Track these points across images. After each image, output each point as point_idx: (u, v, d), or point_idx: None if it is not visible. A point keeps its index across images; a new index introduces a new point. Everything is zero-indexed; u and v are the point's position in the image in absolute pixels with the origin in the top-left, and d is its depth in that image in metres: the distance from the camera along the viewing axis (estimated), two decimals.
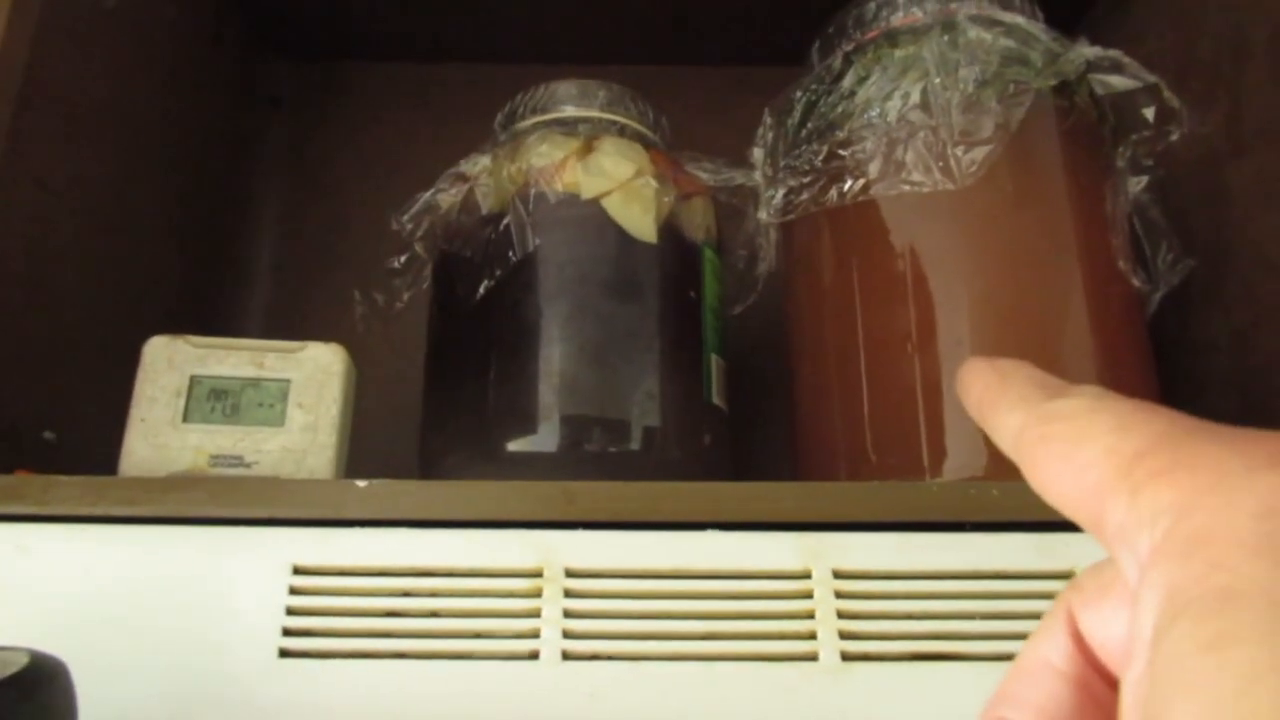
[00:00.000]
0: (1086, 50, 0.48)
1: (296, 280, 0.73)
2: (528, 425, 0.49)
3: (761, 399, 0.62)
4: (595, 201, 0.52)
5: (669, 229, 0.53)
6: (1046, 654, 0.18)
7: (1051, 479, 0.16)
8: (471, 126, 0.61)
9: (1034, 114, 0.48)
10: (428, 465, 0.53)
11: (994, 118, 0.47)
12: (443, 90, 0.78)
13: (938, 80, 0.47)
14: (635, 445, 0.49)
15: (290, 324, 0.71)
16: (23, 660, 0.28)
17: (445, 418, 0.53)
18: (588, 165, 0.53)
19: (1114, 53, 0.48)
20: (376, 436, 0.51)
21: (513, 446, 0.49)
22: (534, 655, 0.37)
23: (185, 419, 0.43)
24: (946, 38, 0.49)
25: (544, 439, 0.49)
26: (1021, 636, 0.38)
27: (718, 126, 0.62)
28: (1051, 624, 0.18)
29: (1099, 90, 0.49)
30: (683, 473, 0.50)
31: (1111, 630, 0.17)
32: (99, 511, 0.39)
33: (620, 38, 0.76)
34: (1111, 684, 0.18)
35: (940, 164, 0.47)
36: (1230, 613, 0.12)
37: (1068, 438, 0.16)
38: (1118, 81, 0.48)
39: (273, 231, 0.75)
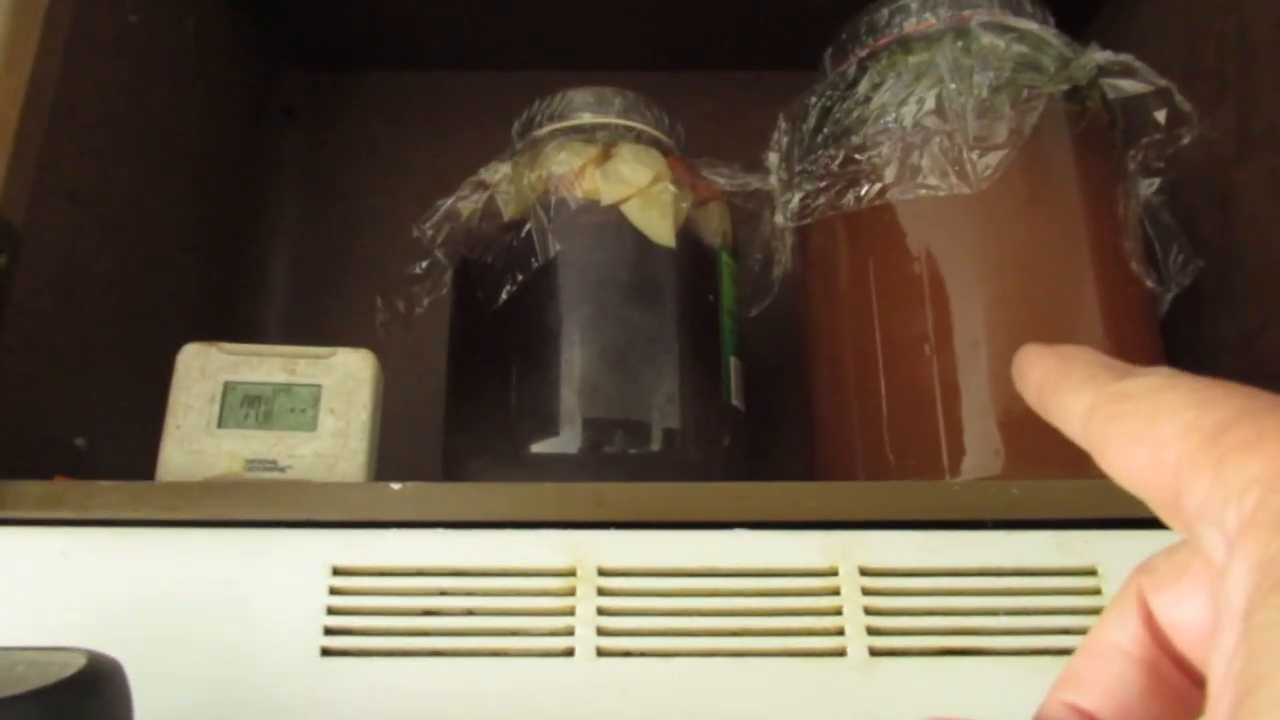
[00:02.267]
0: (1098, 55, 0.49)
1: (313, 287, 0.74)
2: (550, 428, 0.50)
3: (779, 400, 0.63)
4: (614, 207, 0.53)
5: (686, 234, 0.54)
6: (1115, 636, 0.18)
7: (1125, 459, 0.15)
8: (484, 133, 0.62)
9: (1047, 119, 0.49)
10: (451, 468, 0.54)
11: (1008, 123, 0.48)
12: (455, 98, 0.79)
13: (952, 86, 0.48)
14: (656, 446, 0.50)
15: (308, 330, 0.72)
16: (81, 661, 0.29)
17: (469, 421, 0.53)
18: (606, 172, 0.53)
19: (1125, 57, 0.49)
20: (397, 440, 0.52)
21: (536, 449, 0.50)
22: (569, 652, 0.37)
23: (220, 425, 0.43)
24: (960, 44, 0.50)
25: (566, 441, 0.49)
26: (1044, 632, 0.39)
27: (730, 132, 0.63)
28: (1120, 606, 0.18)
29: (1110, 94, 0.50)
30: (702, 473, 0.51)
31: (1185, 612, 0.17)
32: (139, 516, 0.39)
33: (631, 44, 0.76)
34: (1181, 667, 0.17)
35: (955, 168, 0.47)
36: None
37: (1142, 415, 0.15)
38: (1129, 86, 0.49)
39: (289, 239, 0.76)
